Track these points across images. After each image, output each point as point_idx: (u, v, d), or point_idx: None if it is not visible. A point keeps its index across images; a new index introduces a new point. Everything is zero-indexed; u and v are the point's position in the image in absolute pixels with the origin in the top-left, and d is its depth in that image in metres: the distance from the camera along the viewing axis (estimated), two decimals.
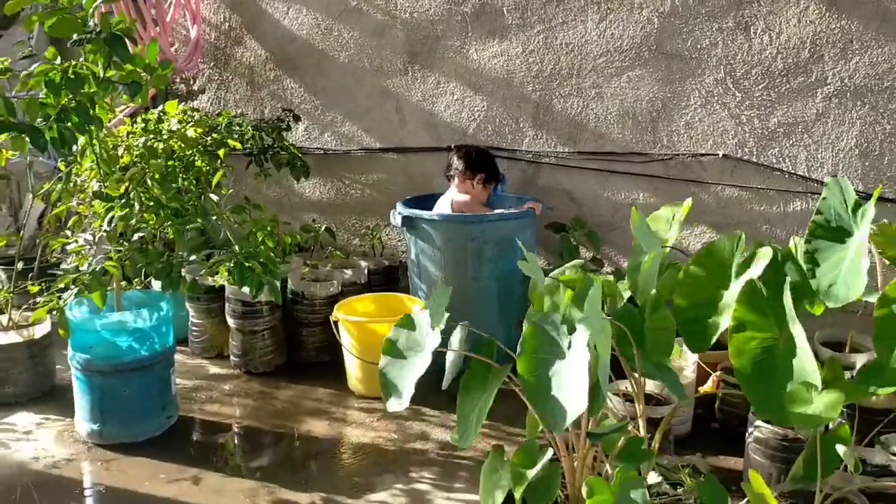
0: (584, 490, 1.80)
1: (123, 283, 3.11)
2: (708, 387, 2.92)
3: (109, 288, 2.91)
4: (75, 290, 2.76)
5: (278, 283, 2.86)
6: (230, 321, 3.63)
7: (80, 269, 2.81)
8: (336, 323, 3.38)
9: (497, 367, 2.03)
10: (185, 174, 3.10)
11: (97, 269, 2.74)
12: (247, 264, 2.62)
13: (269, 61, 4.51)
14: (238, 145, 3.46)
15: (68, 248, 2.95)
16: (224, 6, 4.57)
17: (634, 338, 2.16)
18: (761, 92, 3.42)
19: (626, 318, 2.17)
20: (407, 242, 3.68)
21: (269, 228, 3.07)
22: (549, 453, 1.98)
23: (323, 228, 4.15)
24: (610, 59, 3.66)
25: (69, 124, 2.34)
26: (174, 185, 2.91)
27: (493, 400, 1.94)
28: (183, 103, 3.64)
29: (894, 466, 2.28)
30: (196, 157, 3.14)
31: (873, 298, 1.94)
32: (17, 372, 3.28)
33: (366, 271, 3.99)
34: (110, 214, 2.74)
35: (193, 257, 2.90)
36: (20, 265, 3.58)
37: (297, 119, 4.24)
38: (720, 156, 3.52)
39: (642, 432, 2.33)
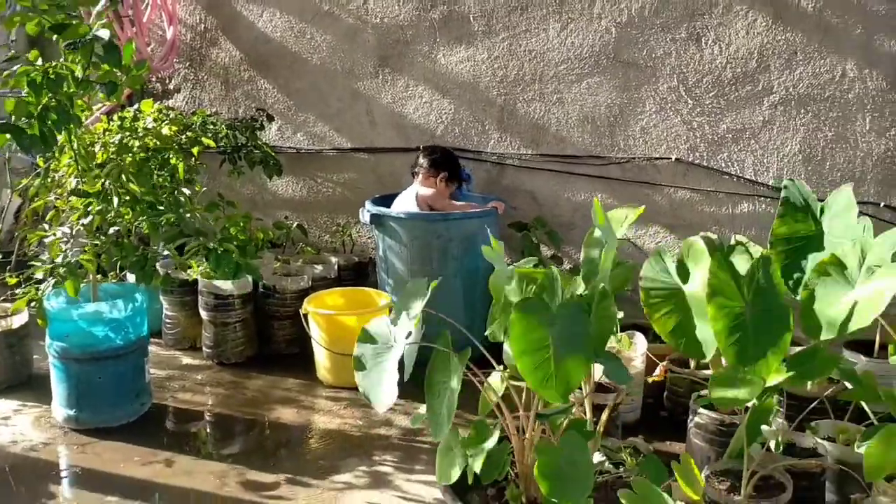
0: (533, 456, 1.95)
1: (99, 276, 3.22)
2: (656, 375, 3.10)
3: (85, 280, 3.03)
4: (52, 281, 2.88)
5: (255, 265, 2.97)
6: (203, 313, 3.75)
7: (56, 260, 2.92)
8: (306, 315, 3.52)
9: (457, 355, 2.16)
10: (159, 171, 3.22)
11: (73, 262, 2.86)
12: (220, 248, 2.74)
13: (244, 62, 4.64)
14: (212, 143, 3.58)
15: (47, 240, 3.06)
16: (200, 8, 4.69)
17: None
18: (712, 100, 3.61)
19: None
20: (375, 239, 3.82)
21: (241, 224, 3.20)
22: (498, 428, 2.13)
23: (295, 225, 4.28)
24: (570, 66, 3.84)
25: (49, 123, 2.46)
26: (150, 180, 3.03)
27: (458, 386, 2.06)
28: (158, 102, 3.75)
29: (821, 449, 2.47)
30: (170, 155, 3.26)
31: None
32: None
33: (336, 267, 4.13)
34: (88, 209, 2.86)
35: (167, 252, 3.02)
36: None
37: (270, 119, 4.37)
38: (673, 159, 3.71)
39: (588, 416, 2.51)
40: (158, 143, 3.23)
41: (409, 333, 2.12)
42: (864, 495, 2.20)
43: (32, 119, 2.48)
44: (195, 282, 3.78)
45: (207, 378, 3.62)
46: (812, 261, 2.30)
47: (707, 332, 2.14)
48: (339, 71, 4.39)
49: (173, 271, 3.76)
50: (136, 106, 3.44)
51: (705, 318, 2.10)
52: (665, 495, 1.86)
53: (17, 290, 3.13)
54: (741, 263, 2.17)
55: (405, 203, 3.81)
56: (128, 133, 3.19)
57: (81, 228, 2.95)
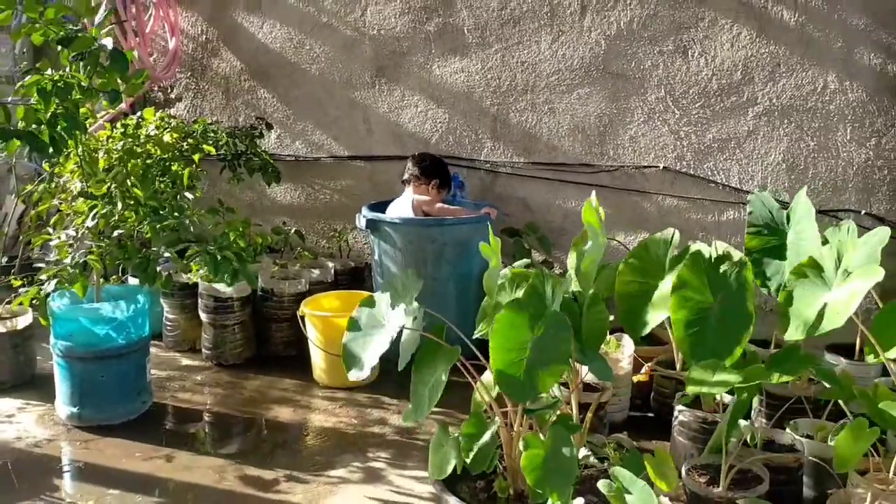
0: (520, 446, 2.04)
1: (101, 279, 3.32)
2: (641, 375, 3.20)
3: (91, 283, 3.13)
4: (54, 281, 2.97)
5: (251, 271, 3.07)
6: (203, 316, 3.85)
7: (63, 262, 3.02)
8: (303, 317, 3.62)
9: (448, 347, 2.26)
10: (161, 177, 3.32)
11: (79, 263, 2.96)
12: (220, 255, 2.84)
13: (244, 72, 4.75)
14: (212, 150, 3.67)
15: (52, 243, 3.15)
16: (202, 19, 4.80)
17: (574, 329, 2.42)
18: (698, 110, 3.73)
19: (568, 311, 2.43)
20: (371, 244, 3.93)
21: (241, 229, 3.30)
22: (497, 421, 2.23)
23: (293, 231, 4.38)
24: (561, 77, 3.96)
25: (59, 128, 2.56)
26: (153, 185, 3.13)
27: (445, 378, 2.16)
28: (160, 111, 3.86)
29: (798, 446, 2.56)
30: (171, 161, 3.36)
31: None
32: None
33: (333, 271, 4.23)
34: (94, 212, 2.96)
35: (167, 254, 3.12)
36: (3, 259, 3.76)
37: (269, 127, 4.48)
38: (661, 168, 3.83)
39: (574, 413, 2.60)
40: (160, 150, 3.33)
41: (402, 324, 2.20)
42: (839, 490, 2.29)
43: (42, 126, 2.58)
44: (195, 285, 3.88)
45: (207, 378, 3.71)
46: (776, 267, 2.41)
47: (654, 315, 2.27)
48: (336, 81, 4.50)
49: (174, 274, 3.85)
50: (138, 114, 3.54)
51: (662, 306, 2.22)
52: (643, 483, 1.96)
53: (23, 290, 3.21)
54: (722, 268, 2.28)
55: (400, 210, 3.91)
56: (130, 140, 3.29)
57: (86, 231, 3.05)
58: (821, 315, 2.13)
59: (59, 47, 2.64)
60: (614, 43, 3.83)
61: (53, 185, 3.29)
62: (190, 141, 3.61)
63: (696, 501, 2.31)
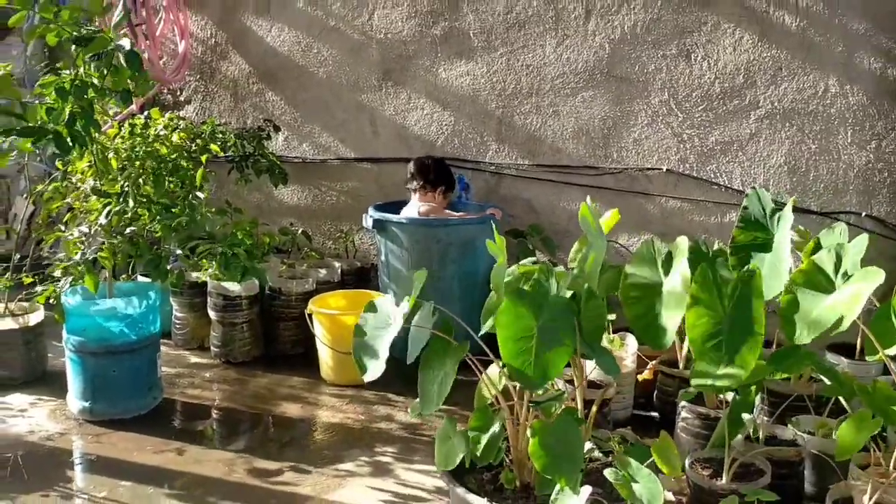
0: (528, 434, 2.08)
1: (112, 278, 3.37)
2: (645, 374, 3.25)
3: (103, 279, 3.18)
4: (70, 277, 3.03)
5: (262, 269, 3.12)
6: (211, 314, 3.90)
7: (74, 258, 3.07)
8: (310, 316, 3.67)
9: (456, 343, 2.30)
10: (170, 177, 3.37)
11: (89, 259, 3.01)
12: (230, 252, 2.89)
13: (253, 75, 4.81)
14: (219, 150, 3.72)
15: (66, 239, 3.20)
16: (211, 23, 4.87)
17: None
18: (701, 113, 3.78)
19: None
20: (377, 244, 3.98)
21: (248, 229, 3.35)
22: (503, 415, 2.27)
23: (300, 231, 4.42)
24: (566, 81, 4.01)
25: (77, 127, 2.62)
26: (164, 184, 3.18)
27: (454, 374, 2.20)
28: (170, 112, 3.90)
29: (800, 441, 2.60)
30: (181, 161, 3.40)
31: None
32: (11, 356, 3.54)
33: (339, 271, 4.28)
34: (107, 209, 3.01)
35: (178, 251, 3.17)
36: (17, 257, 3.81)
37: (277, 129, 4.53)
38: (664, 170, 3.88)
39: (579, 408, 2.64)
40: (167, 150, 3.38)
41: (410, 317, 2.24)
42: (840, 483, 2.34)
43: (59, 124, 2.63)
44: (204, 284, 3.93)
45: (215, 376, 3.76)
46: (759, 261, 2.43)
47: (671, 321, 2.28)
48: (344, 84, 4.56)
49: (184, 272, 3.90)
50: (146, 113, 3.59)
51: (675, 309, 2.25)
52: (647, 470, 2.00)
53: (35, 289, 3.27)
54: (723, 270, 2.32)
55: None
56: (139, 139, 3.34)
57: (99, 228, 3.10)
58: (826, 318, 2.16)
59: (74, 47, 2.70)
60: (618, 47, 3.88)
61: (65, 184, 3.34)
62: (198, 142, 3.66)
63: (699, 493, 2.35)
